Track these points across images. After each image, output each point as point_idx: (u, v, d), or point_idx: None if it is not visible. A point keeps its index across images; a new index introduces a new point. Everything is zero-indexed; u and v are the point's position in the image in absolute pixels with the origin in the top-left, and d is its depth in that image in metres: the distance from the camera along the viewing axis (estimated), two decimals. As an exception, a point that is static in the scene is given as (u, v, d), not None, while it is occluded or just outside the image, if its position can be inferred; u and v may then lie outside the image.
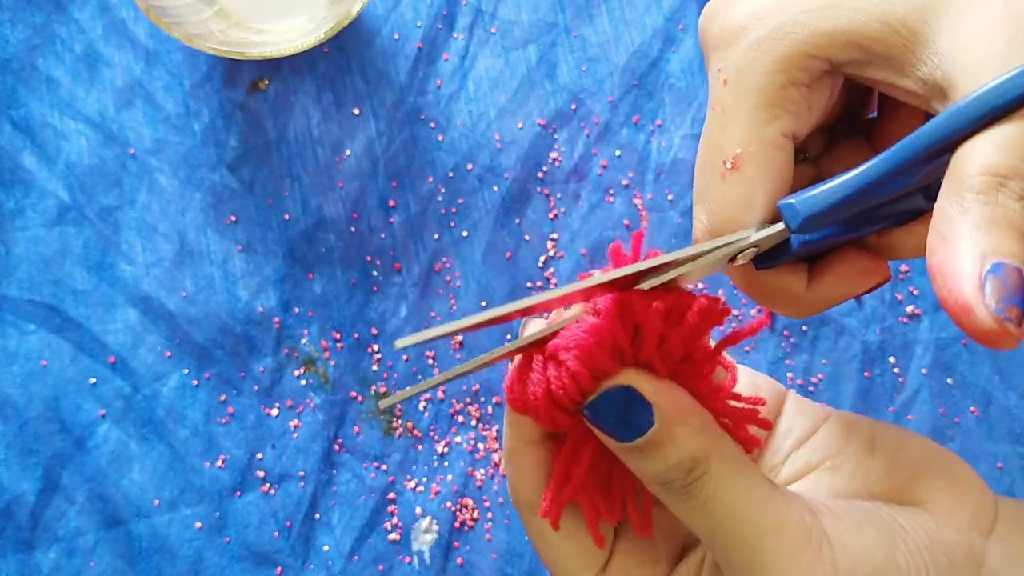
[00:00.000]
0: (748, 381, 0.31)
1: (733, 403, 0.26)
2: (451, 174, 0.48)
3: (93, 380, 0.45)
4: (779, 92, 0.25)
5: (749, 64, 0.25)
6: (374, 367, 0.47)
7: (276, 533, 0.45)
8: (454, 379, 0.24)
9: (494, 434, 0.46)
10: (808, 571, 0.23)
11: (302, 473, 0.46)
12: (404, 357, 0.47)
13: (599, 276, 0.23)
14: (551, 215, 0.48)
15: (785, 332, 0.47)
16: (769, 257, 0.26)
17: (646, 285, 0.24)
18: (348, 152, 0.47)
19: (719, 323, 0.25)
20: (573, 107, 0.48)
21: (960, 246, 0.20)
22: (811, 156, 0.29)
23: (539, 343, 0.25)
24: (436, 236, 0.47)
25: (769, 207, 0.25)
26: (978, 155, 0.21)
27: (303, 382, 0.46)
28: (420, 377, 0.47)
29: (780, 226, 0.24)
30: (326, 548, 0.45)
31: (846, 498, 0.27)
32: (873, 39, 0.23)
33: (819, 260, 0.27)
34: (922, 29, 0.23)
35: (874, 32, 0.23)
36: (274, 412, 0.46)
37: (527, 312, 0.23)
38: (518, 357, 0.25)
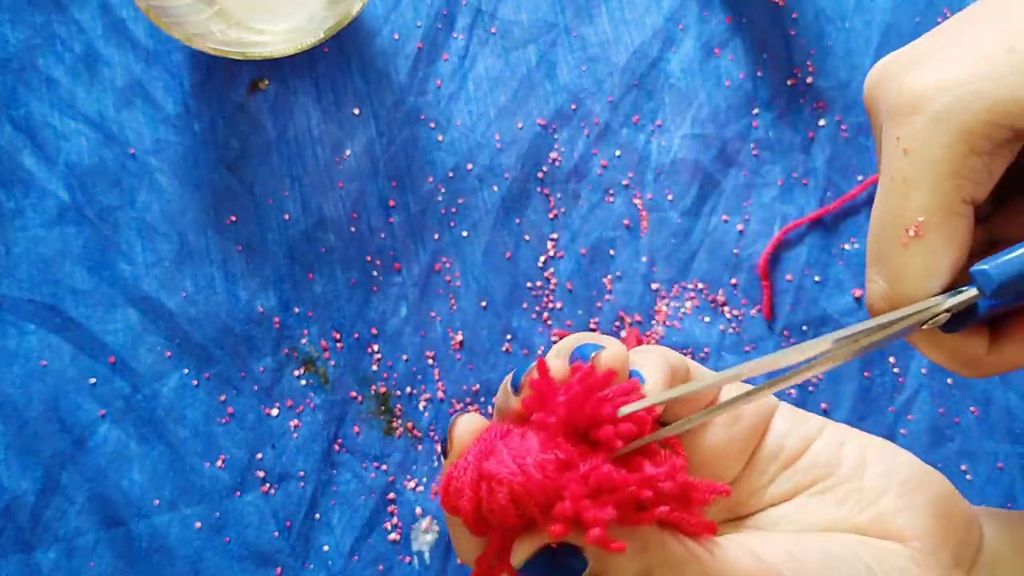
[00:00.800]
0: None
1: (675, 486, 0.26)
2: (451, 174, 0.48)
3: (93, 380, 0.45)
4: (963, 161, 0.25)
5: (933, 134, 0.25)
6: (374, 367, 0.47)
7: (276, 533, 0.45)
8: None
9: (494, 434, 0.46)
10: None
11: (302, 473, 0.46)
12: (404, 357, 0.47)
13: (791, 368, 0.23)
14: (551, 215, 0.48)
15: (785, 332, 0.47)
16: (955, 321, 0.26)
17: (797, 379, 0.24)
18: (348, 152, 0.47)
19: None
20: (573, 107, 0.48)
21: None
22: (981, 215, 0.29)
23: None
24: (436, 236, 0.47)
25: (952, 274, 0.26)
26: None
27: (303, 382, 0.46)
28: (420, 378, 0.47)
29: (973, 291, 0.25)
30: (326, 548, 0.45)
31: (829, 531, 0.27)
32: None
33: (1003, 321, 0.27)
34: None
35: None
36: (274, 412, 0.46)
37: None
38: (448, 462, 0.25)
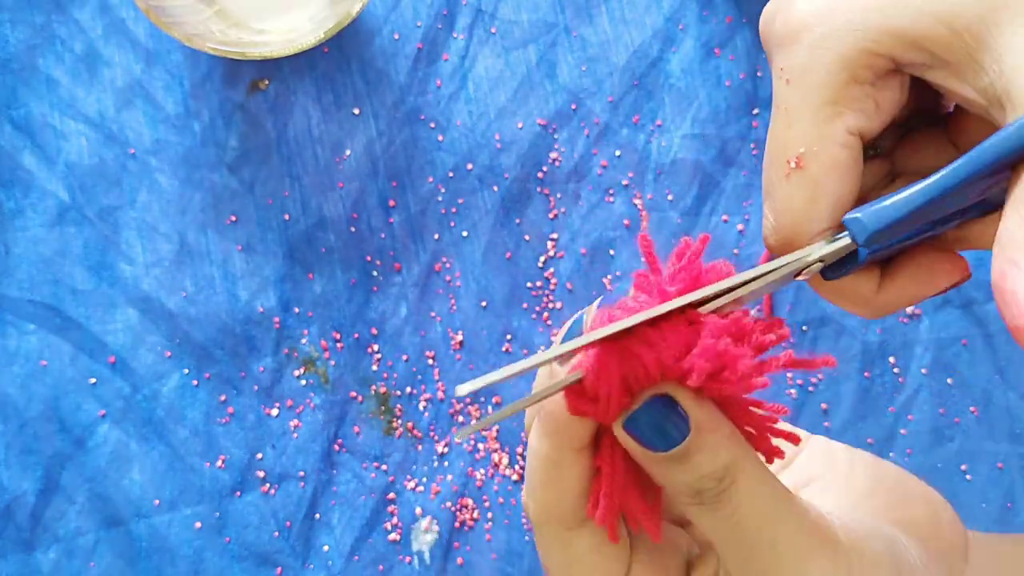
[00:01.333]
0: None
1: (757, 411, 0.26)
2: (451, 174, 0.48)
3: (93, 380, 0.45)
4: (843, 90, 0.24)
5: (812, 62, 0.25)
6: (374, 367, 0.47)
7: (276, 533, 0.45)
8: (512, 414, 0.24)
9: (494, 434, 0.46)
10: (829, 573, 0.23)
11: (302, 473, 0.46)
12: (404, 357, 0.47)
13: (669, 304, 0.23)
14: (551, 215, 0.48)
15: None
16: (838, 266, 0.26)
17: (707, 308, 0.24)
18: (348, 152, 0.47)
19: (779, 342, 0.25)
20: (573, 107, 0.48)
21: None
22: (884, 150, 0.29)
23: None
24: (436, 236, 0.47)
25: (837, 206, 0.25)
26: None
27: (303, 382, 0.46)
28: (420, 378, 0.47)
29: (846, 240, 0.24)
30: (326, 548, 0.45)
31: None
32: (935, 42, 0.23)
33: (892, 260, 0.27)
34: (986, 38, 0.22)
35: (937, 36, 0.23)
36: (274, 412, 0.46)
37: (590, 348, 0.23)
38: (583, 354, 0.24)
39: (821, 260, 0.25)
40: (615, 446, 0.25)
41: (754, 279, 0.24)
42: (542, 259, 0.48)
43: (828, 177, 0.25)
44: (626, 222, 0.48)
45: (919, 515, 0.27)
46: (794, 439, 0.26)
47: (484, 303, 0.47)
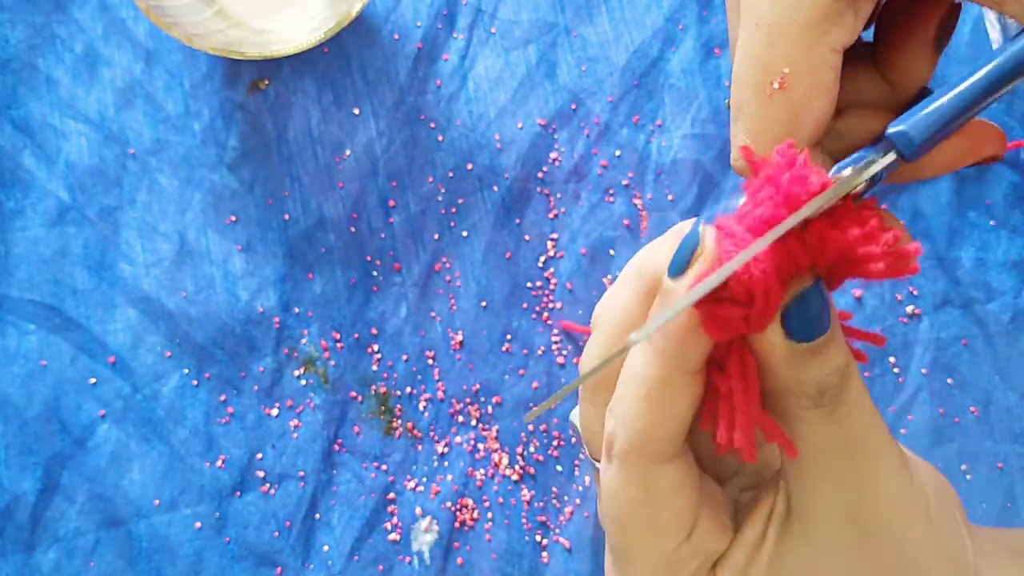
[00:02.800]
0: None
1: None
2: (451, 174, 0.48)
3: (93, 380, 0.45)
4: (831, 5, 0.23)
5: None
6: (374, 367, 0.47)
7: (276, 533, 0.45)
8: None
9: (494, 434, 0.46)
10: (907, 481, 0.24)
11: (302, 473, 0.46)
12: (404, 357, 0.47)
13: (809, 205, 0.23)
14: (551, 215, 0.48)
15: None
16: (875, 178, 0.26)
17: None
18: (348, 152, 0.47)
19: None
20: (573, 107, 0.48)
21: None
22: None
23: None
24: (436, 236, 0.47)
25: (819, 126, 0.25)
26: None
27: (303, 382, 0.46)
28: (420, 378, 0.47)
29: (891, 156, 0.24)
30: (326, 548, 0.45)
31: None
32: None
33: None
34: None
35: None
36: (274, 412, 0.46)
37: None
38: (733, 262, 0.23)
39: (872, 180, 0.24)
40: (745, 361, 0.24)
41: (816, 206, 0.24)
42: (542, 259, 0.48)
43: (813, 97, 0.24)
44: (626, 222, 0.48)
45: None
46: (879, 340, 0.27)
47: (484, 303, 0.47)
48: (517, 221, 0.48)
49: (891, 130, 0.24)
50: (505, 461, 0.46)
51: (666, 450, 0.25)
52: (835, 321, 0.24)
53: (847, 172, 0.24)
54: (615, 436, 0.25)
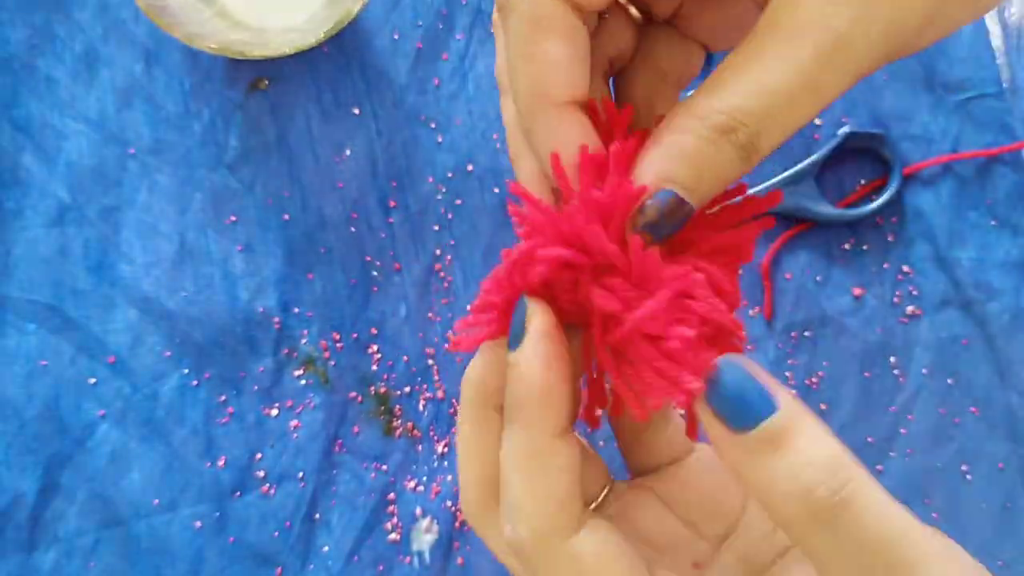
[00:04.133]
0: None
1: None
2: (451, 174, 0.48)
3: (93, 380, 0.45)
4: None
5: None
6: (374, 367, 0.46)
7: (276, 533, 0.45)
8: None
9: (494, 434, 0.46)
10: None
11: (302, 473, 0.45)
12: (404, 358, 0.47)
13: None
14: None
15: (793, 334, 0.47)
16: None
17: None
18: (348, 152, 0.47)
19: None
20: (573, 107, 0.48)
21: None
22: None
23: None
24: (436, 236, 0.47)
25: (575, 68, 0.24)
26: (731, 95, 0.21)
27: (303, 382, 0.46)
28: (419, 378, 0.47)
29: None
30: (326, 548, 0.45)
31: None
32: None
33: None
34: None
35: None
36: (274, 412, 0.46)
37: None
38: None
39: None
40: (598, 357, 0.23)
41: None
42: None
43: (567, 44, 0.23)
44: (626, 222, 0.48)
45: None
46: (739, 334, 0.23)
47: (484, 303, 0.47)
48: (517, 221, 0.48)
49: None
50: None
51: (571, 520, 0.22)
52: (791, 407, 0.20)
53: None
54: (510, 537, 0.23)
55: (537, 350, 0.22)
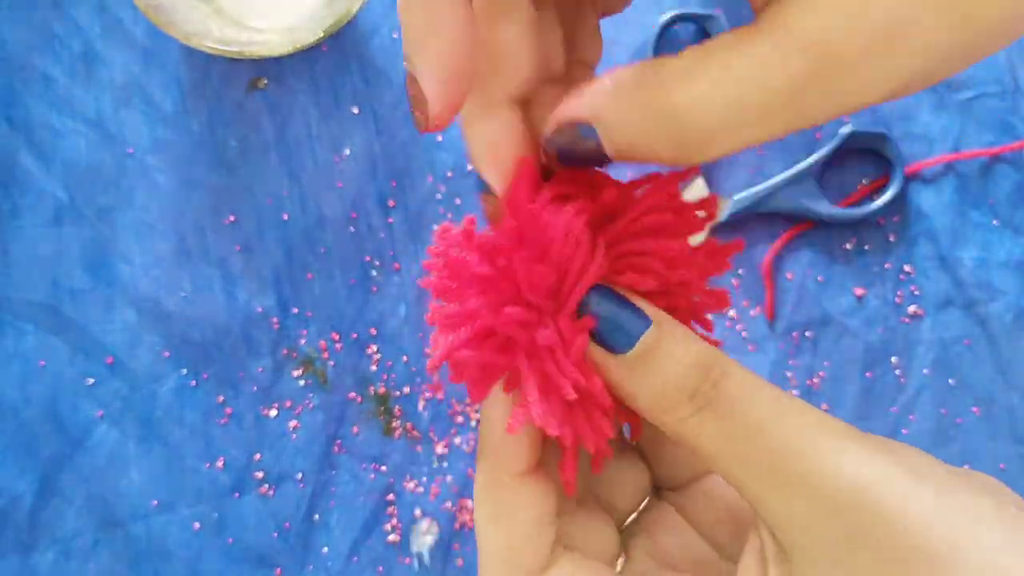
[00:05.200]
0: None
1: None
2: (450, 174, 0.47)
3: (91, 380, 0.45)
4: None
5: None
6: (373, 367, 0.46)
7: (275, 534, 0.45)
8: None
9: (494, 435, 0.46)
10: (868, 458, 0.19)
11: (301, 474, 0.45)
12: (403, 358, 0.47)
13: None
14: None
15: (794, 335, 0.47)
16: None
17: None
18: (347, 152, 0.47)
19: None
20: (573, 106, 0.48)
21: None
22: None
23: None
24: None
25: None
26: (690, 79, 0.19)
27: (302, 382, 0.46)
28: (419, 378, 0.46)
29: None
30: (325, 549, 0.45)
31: None
32: None
33: None
34: None
35: None
36: (273, 413, 0.46)
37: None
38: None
39: None
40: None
41: None
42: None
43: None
44: (626, 222, 0.48)
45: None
46: (724, 302, 0.24)
47: (484, 303, 0.47)
48: (517, 221, 0.48)
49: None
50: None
51: (528, 563, 0.22)
52: (661, 317, 0.21)
53: None
54: (481, 571, 0.23)
55: (497, 397, 0.22)
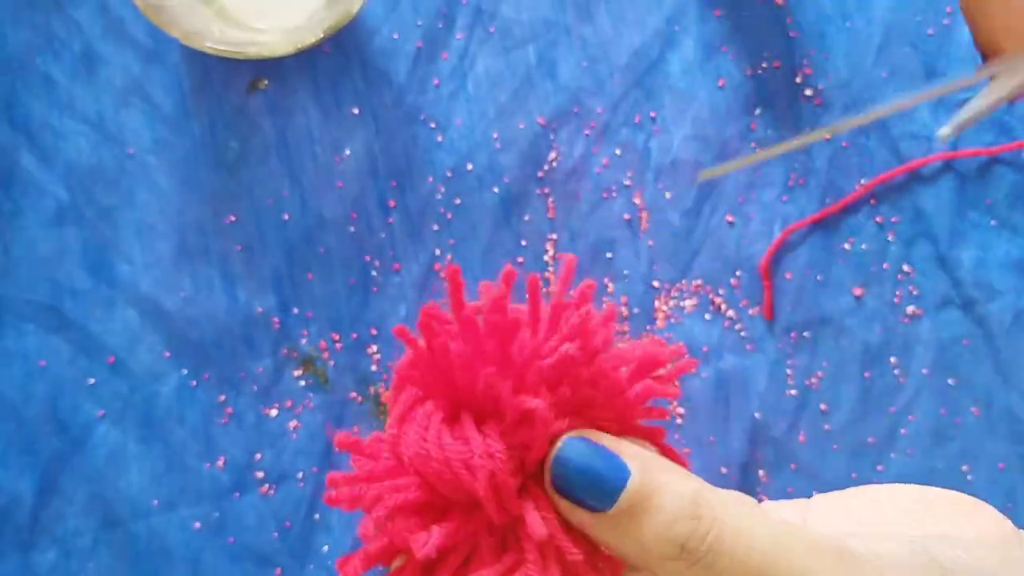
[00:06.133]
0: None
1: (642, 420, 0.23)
2: (450, 174, 0.48)
3: (92, 380, 0.45)
4: None
5: None
6: (373, 367, 0.46)
7: (275, 534, 0.45)
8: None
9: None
10: None
11: (301, 474, 0.45)
12: (403, 357, 0.47)
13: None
14: (550, 215, 0.48)
15: (793, 334, 0.47)
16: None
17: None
18: (347, 152, 0.47)
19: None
20: (574, 108, 0.48)
21: None
22: None
23: None
24: (435, 236, 0.47)
25: None
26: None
27: (302, 382, 0.46)
28: (419, 377, 0.47)
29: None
30: (325, 548, 0.45)
31: None
32: None
33: None
34: None
35: None
36: (273, 412, 0.46)
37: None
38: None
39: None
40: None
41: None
42: (546, 258, 0.47)
43: None
44: (626, 216, 0.48)
45: (959, 521, 0.24)
46: (682, 462, 0.22)
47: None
48: (517, 221, 0.48)
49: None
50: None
51: None
52: (642, 460, 0.20)
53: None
54: None
55: None
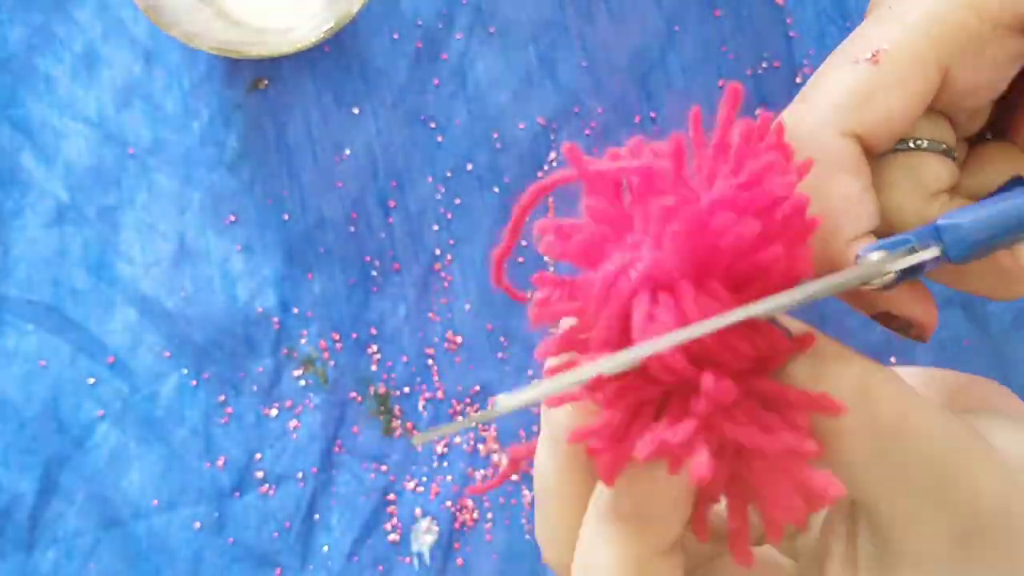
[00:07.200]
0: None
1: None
2: (450, 174, 0.48)
3: (92, 380, 0.45)
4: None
5: None
6: (373, 367, 0.46)
7: (275, 534, 0.45)
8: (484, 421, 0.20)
9: (494, 434, 0.46)
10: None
11: (301, 474, 0.45)
12: (404, 358, 0.47)
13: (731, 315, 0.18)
14: (551, 215, 0.48)
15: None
16: (913, 270, 0.22)
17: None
18: (347, 152, 0.47)
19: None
20: (574, 108, 0.48)
21: None
22: (959, 159, 0.26)
23: None
24: (435, 236, 0.47)
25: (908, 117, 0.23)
26: None
27: (302, 382, 0.46)
28: (419, 378, 0.47)
29: (933, 252, 0.21)
30: (325, 548, 0.45)
31: None
32: None
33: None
34: None
35: None
36: (273, 412, 0.46)
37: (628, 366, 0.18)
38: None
39: (900, 272, 0.21)
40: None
41: (817, 290, 0.20)
42: (543, 259, 0.48)
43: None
44: (626, 222, 0.48)
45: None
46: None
47: (484, 303, 0.47)
48: (517, 221, 0.48)
49: (942, 221, 0.21)
50: (505, 461, 0.46)
51: None
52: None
53: (874, 257, 0.20)
54: None
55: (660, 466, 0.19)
